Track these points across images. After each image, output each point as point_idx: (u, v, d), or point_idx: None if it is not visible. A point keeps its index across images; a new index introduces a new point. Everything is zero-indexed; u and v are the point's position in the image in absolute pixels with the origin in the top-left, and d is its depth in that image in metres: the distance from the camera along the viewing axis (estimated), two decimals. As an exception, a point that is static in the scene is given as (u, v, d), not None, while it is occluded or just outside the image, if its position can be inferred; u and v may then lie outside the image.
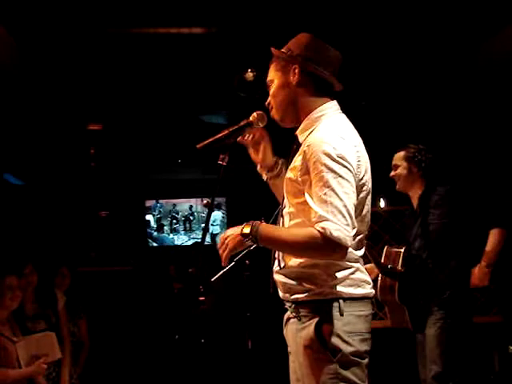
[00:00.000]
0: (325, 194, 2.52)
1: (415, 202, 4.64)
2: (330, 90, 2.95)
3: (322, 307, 2.61)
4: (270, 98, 2.88)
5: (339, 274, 2.63)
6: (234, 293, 6.81)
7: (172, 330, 4.88)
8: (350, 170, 2.57)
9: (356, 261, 2.68)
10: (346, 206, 2.51)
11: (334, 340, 2.57)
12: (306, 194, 2.63)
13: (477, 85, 6.38)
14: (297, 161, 2.74)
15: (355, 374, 2.62)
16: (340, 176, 2.54)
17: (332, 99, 2.92)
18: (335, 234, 2.44)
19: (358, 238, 2.70)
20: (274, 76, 2.88)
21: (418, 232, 4.58)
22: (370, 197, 2.82)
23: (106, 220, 9.08)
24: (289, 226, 2.80)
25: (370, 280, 2.73)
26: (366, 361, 2.67)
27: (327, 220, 2.48)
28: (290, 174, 2.76)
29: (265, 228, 2.68)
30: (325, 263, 2.61)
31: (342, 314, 2.60)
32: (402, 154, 4.65)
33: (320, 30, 5.31)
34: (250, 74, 5.69)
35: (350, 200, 2.54)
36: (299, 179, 2.65)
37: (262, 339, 4.79)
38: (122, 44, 5.57)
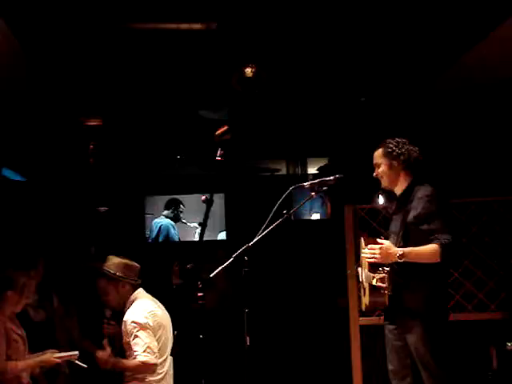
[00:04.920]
0: None
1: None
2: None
3: None
4: None
5: None
6: (232, 289, 6.83)
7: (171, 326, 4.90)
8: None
9: None
10: None
11: None
12: None
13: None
14: None
15: None
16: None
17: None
18: None
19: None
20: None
21: (394, 229, 4.47)
22: None
23: (105, 216, 9.09)
24: None
25: None
26: None
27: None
28: None
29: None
30: None
31: None
32: (380, 151, 4.55)
33: (319, 26, 5.32)
34: (249, 70, 5.69)
35: None
36: None
37: (260, 335, 4.80)
38: (120, 39, 5.57)
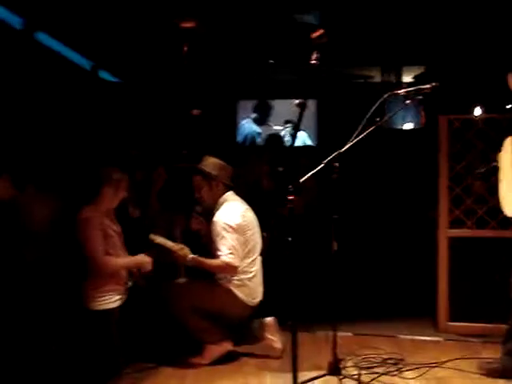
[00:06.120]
0: None
1: None
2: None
3: None
4: None
5: None
6: (322, 194, 6.86)
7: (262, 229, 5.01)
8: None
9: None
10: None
11: None
12: None
13: None
14: None
15: None
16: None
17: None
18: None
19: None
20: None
21: None
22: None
23: (198, 118, 9.17)
24: None
25: None
26: None
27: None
28: None
29: None
30: None
31: None
32: None
33: None
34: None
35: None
36: None
37: (347, 242, 4.85)
38: None
